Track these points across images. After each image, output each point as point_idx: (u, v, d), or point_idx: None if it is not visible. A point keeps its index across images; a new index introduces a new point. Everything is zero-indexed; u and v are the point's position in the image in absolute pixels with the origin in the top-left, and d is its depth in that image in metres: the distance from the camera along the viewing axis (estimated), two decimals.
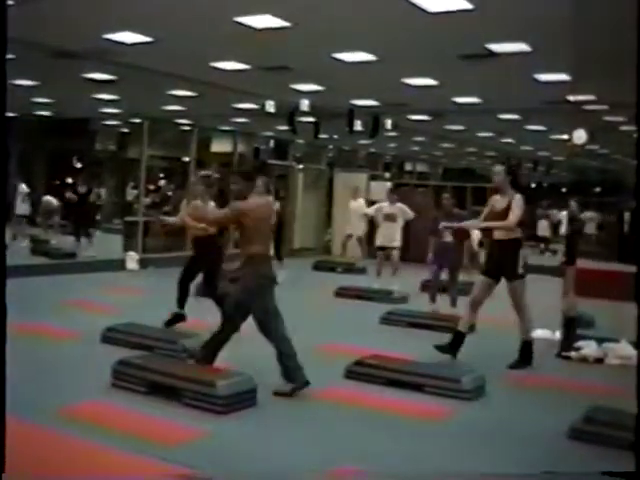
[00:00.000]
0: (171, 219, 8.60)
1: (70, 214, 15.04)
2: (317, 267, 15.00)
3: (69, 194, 14.39)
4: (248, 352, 6.27)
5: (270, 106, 15.85)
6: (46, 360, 6.29)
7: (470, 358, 6.71)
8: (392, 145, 27.44)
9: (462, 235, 9.36)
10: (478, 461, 4.42)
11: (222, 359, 5.72)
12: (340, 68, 12.08)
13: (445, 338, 7.01)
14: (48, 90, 17.03)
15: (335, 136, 21.66)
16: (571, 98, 14.00)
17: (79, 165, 25.21)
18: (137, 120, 17.65)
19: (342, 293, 10.98)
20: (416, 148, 28.86)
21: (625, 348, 7.17)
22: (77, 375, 5.87)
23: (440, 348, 6.78)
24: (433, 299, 9.84)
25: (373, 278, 11.64)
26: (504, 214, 6.61)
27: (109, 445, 4.14)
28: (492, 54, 10.49)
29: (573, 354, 7.35)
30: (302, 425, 4.97)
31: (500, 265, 6.66)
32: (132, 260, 13.43)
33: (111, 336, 6.99)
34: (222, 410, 4.93)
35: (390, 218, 11.33)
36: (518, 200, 6.62)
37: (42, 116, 22.18)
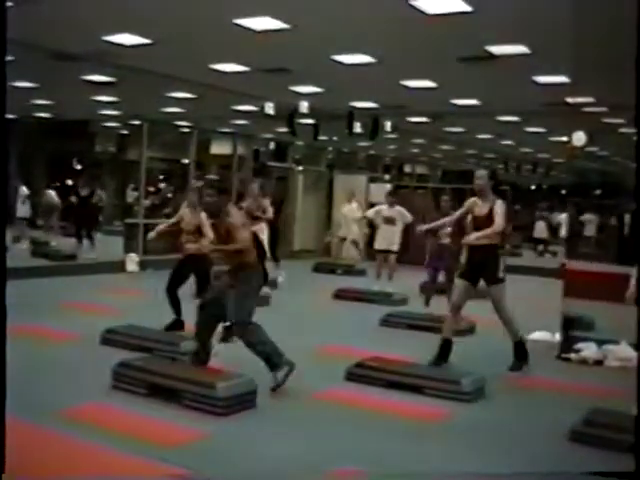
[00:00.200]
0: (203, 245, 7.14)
1: (71, 216, 15.06)
2: (317, 269, 15.01)
3: (74, 198, 14.41)
4: (248, 354, 6.27)
5: (269, 108, 15.85)
6: (46, 362, 6.29)
7: (470, 360, 6.71)
8: (392, 147, 27.45)
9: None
10: (478, 463, 4.42)
11: (222, 361, 5.72)
12: (339, 70, 12.08)
13: None
14: (48, 92, 17.03)
15: (335, 138, 21.67)
16: (570, 100, 14.05)
17: (79, 167, 25.24)
18: (137, 122, 17.65)
19: (342, 295, 10.98)
20: (416, 150, 28.86)
21: (625, 350, 7.18)
22: (77, 377, 5.87)
23: (433, 362, 6.68)
24: (427, 302, 9.84)
25: (373, 280, 11.65)
26: (487, 219, 6.55)
27: (109, 446, 4.14)
28: (491, 56, 10.50)
29: (573, 356, 7.35)
30: (302, 427, 4.96)
31: (480, 269, 6.59)
32: (132, 262, 13.43)
33: (111, 338, 6.99)
34: (222, 412, 4.93)
35: (389, 221, 11.32)
36: (500, 206, 6.58)
37: (42, 118, 22.19)
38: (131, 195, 23.53)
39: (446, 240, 9.39)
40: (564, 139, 17.95)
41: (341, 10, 8.63)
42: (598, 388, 6.26)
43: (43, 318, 8.04)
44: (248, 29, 9.62)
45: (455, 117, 17.80)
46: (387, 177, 26.02)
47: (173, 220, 8.09)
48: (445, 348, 6.64)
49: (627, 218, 16.10)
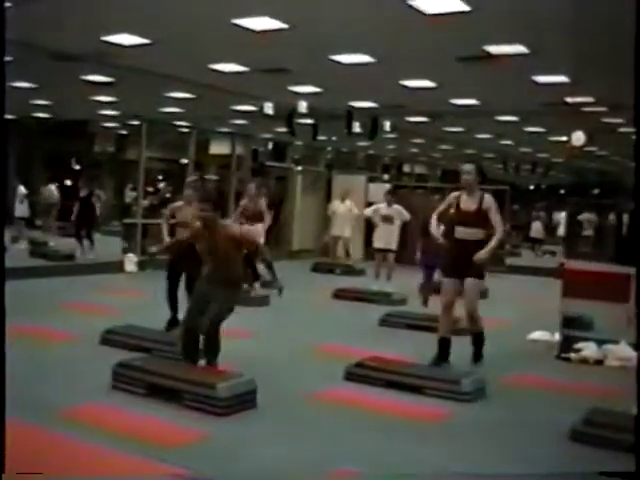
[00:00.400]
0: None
1: (70, 216, 15.04)
2: (316, 269, 15.00)
3: (76, 206, 14.41)
4: (248, 354, 6.28)
5: (268, 108, 15.85)
6: (45, 362, 6.27)
7: (469, 360, 6.70)
8: (391, 147, 27.45)
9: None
10: (478, 462, 4.42)
11: (222, 361, 5.72)
12: (338, 70, 12.08)
13: None
14: (47, 92, 17.03)
15: (334, 138, 21.67)
16: (570, 100, 14.06)
17: (77, 167, 25.23)
18: (135, 122, 17.65)
19: (341, 295, 10.98)
20: (415, 150, 28.86)
21: (625, 350, 7.18)
22: (76, 377, 5.86)
23: (433, 362, 6.68)
24: (425, 303, 9.82)
25: (372, 280, 11.65)
26: (475, 215, 6.45)
27: (109, 447, 4.14)
28: (490, 56, 10.50)
29: (572, 356, 7.35)
30: (302, 427, 4.96)
31: (467, 264, 6.43)
32: (131, 262, 13.41)
33: (110, 338, 6.98)
34: (222, 412, 4.92)
35: (387, 220, 11.33)
36: (492, 201, 6.52)
37: (41, 118, 22.18)
38: (129, 195, 23.53)
39: (441, 239, 9.38)
40: (563, 139, 17.96)
41: (340, 10, 8.64)
42: (598, 388, 6.26)
43: (42, 318, 8.03)
44: (247, 29, 9.62)
45: (454, 117, 17.79)
46: (386, 177, 26.02)
47: (165, 219, 8.08)
48: (443, 348, 6.63)
49: (625, 217, 16.11)
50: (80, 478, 3.82)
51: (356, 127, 17.10)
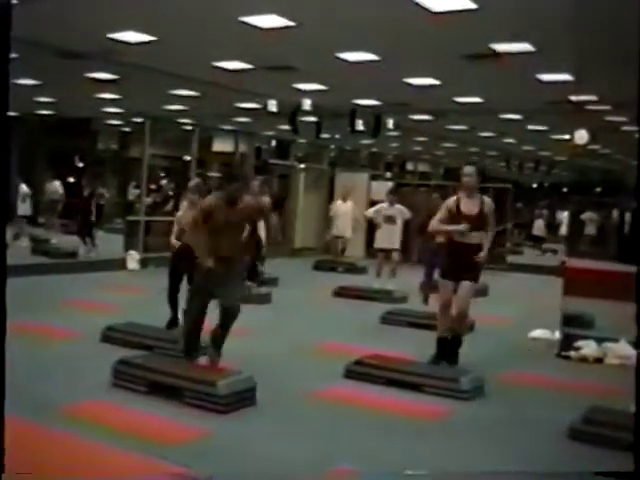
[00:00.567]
0: None
1: (74, 213, 15.09)
2: (318, 267, 15.02)
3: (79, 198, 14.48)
4: (248, 352, 6.30)
5: (272, 105, 15.83)
6: (46, 359, 6.30)
7: (469, 358, 6.71)
8: (394, 145, 27.41)
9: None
10: (477, 461, 4.43)
11: (222, 358, 5.74)
12: (343, 68, 12.06)
13: None
14: (51, 89, 17.03)
15: (337, 136, 21.64)
16: (573, 98, 14.03)
17: (81, 164, 25.26)
18: (139, 119, 17.66)
19: (342, 293, 11.00)
20: (418, 148, 28.82)
21: (624, 348, 7.18)
22: (77, 374, 5.88)
23: (432, 362, 6.68)
24: (425, 301, 9.84)
25: (373, 278, 11.66)
26: (477, 219, 6.44)
27: (109, 444, 4.15)
28: (495, 54, 10.48)
29: (573, 354, 7.36)
30: (302, 424, 4.98)
31: (463, 267, 6.45)
32: (133, 259, 13.44)
33: (111, 335, 7.01)
34: (222, 409, 4.95)
35: (390, 220, 11.34)
36: (491, 204, 6.55)
37: (44, 115, 22.19)
38: (133, 192, 23.53)
39: (441, 238, 9.39)
40: (566, 137, 17.93)
41: (346, 8, 8.62)
42: (597, 386, 6.27)
43: (43, 316, 8.05)
44: (254, 27, 9.61)
45: (458, 115, 17.77)
46: (389, 175, 26.01)
47: (177, 228, 7.68)
48: (442, 347, 6.63)
49: (628, 216, 16.11)
50: (80, 477, 3.84)
51: (359, 125, 17.07)
